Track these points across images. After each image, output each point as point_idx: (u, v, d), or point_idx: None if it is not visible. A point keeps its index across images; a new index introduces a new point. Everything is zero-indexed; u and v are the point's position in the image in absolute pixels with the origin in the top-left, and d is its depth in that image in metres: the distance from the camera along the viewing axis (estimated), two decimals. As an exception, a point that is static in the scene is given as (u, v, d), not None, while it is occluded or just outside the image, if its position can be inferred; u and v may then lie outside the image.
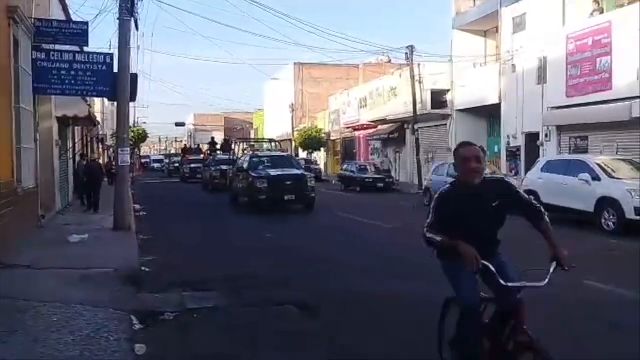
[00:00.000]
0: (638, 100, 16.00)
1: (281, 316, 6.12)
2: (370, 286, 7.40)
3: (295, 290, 7.16)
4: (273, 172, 17.78)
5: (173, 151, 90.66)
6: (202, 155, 41.14)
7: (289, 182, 17.35)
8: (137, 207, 17.00)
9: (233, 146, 28.63)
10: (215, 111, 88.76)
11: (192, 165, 37.09)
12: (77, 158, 20.02)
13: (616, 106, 16.81)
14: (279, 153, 23.53)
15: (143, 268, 8.45)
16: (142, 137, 60.29)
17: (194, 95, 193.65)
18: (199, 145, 44.10)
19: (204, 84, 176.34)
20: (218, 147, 41.86)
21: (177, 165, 45.49)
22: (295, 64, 54.13)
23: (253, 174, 17.84)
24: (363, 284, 7.52)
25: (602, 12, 18.77)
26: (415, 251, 5.90)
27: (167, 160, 60.23)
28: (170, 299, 6.69)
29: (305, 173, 19.00)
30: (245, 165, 19.09)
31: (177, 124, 75.30)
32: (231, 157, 28.58)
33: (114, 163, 31.19)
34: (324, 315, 6.13)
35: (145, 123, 64.13)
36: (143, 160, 65.26)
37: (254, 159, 19.73)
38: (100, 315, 5.62)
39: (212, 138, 42.04)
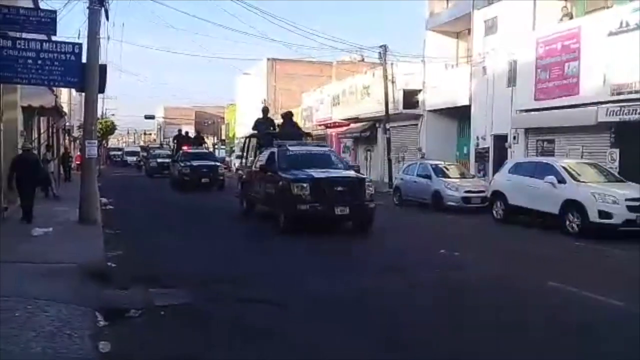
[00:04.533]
0: (604, 105, 16.36)
1: (250, 313, 6.08)
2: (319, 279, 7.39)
3: (265, 287, 7.13)
4: (316, 173, 12.20)
5: (142, 143, 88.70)
6: (205, 146, 31.97)
7: (340, 188, 11.93)
8: (104, 200, 16.70)
9: (247, 143, 17.84)
10: (186, 104, 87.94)
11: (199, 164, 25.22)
12: (42, 149, 19.57)
13: (583, 110, 17.16)
14: (316, 147, 15.32)
15: (109, 263, 8.31)
16: (110, 129, 59.20)
17: (164, 88, 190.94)
18: (199, 132, 38.09)
19: (174, 76, 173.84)
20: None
21: (168, 161, 31.37)
22: (268, 59, 53.89)
23: (286, 175, 12.21)
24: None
25: (571, 17, 19.14)
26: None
27: (144, 154, 50.46)
28: (136, 296, 6.57)
29: (360, 175, 13.47)
30: (270, 162, 13.44)
31: (147, 117, 74.10)
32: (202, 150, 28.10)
33: (70, 155, 30.57)
34: (292, 312, 6.11)
35: (113, 115, 62.48)
36: (112, 153, 62.82)
37: (286, 153, 13.30)
38: (64, 311, 5.49)
39: (179, 130, 35.77)
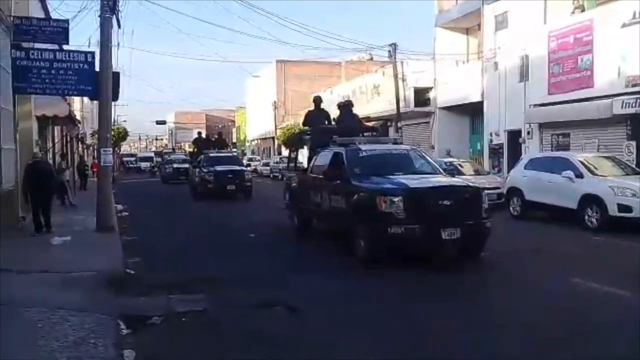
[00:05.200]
0: (619, 97, 16.19)
1: (272, 318, 6.05)
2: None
3: (285, 290, 7.09)
4: (408, 181, 9.03)
5: (153, 148, 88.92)
6: (227, 150, 28.70)
7: (447, 202, 8.61)
8: (120, 207, 16.78)
9: (296, 142, 14.91)
10: (196, 109, 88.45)
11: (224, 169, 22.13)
12: (57, 158, 19.72)
13: (598, 103, 16.99)
14: (395, 146, 11.64)
15: (128, 270, 8.31)
16: (123, 135, 59.53)
17: (175, 93, 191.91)
18: (220, 133, 32.28)
19: (185, 81, 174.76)
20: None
21: (185, 166, 30.61)
22: (277, 61, 54.00)
23: (365, 184, 9.24)
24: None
25: (583, 10, 18.96)
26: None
27: (159, 159, 50.86)
28: (157, 302, 6.55)
29: (472, 183, 9.94)
30: (335, 166, 10.25)
31: (158, 122, 74.59)
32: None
33: (86, 162, 30.55)
34: (313, 318, 6.06)
35: (125, 121, 62.85)
36: (125, 159, 62.90)
37: (357, 154, 10.21)
38: (87, 320, 5.50)
39: (199, 132, 31.82)
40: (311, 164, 11.80)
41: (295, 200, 12.25)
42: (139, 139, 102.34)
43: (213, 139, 28.01)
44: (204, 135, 30.05)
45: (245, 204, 20.24)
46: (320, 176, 10.65)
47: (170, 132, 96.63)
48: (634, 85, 15.93)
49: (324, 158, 11.14)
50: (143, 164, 55.18)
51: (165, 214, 16.96)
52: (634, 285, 7.00)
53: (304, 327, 5.76)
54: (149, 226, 13.95)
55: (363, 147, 10.44)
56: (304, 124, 14.12)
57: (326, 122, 13.31)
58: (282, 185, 14.59)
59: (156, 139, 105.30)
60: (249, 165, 35.61)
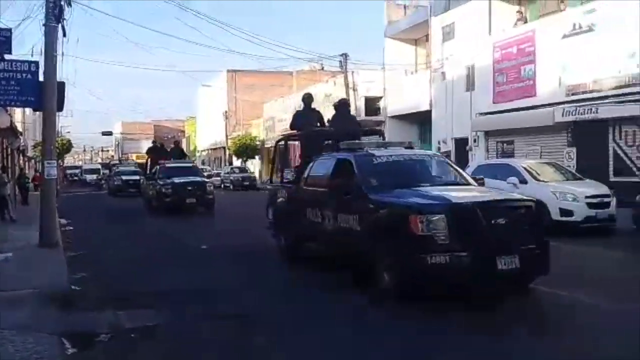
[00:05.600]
0: (560, 106, 16.83)
1: (224, 331, 5.96)
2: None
3: (235, 302, 7.00)
4: (446, 193, 7.13)
5: (99, 160, 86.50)
6: (185, 159, 26.00)
7: (502, 221, 6.64)
8: (64, 221, 16.24)
9: (278, 148, 12.64)
10: (144, 119, 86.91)
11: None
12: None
13: (540, 112, 17.62)
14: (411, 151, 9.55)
15: (73, 286, 8.03)
16: (67, 147, 57.80)
17: (122, 104, 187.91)
18: (177, 142, 29.39)
19: (131, 91, 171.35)
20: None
21: (134, 178, 30.34)
22: (228, 71, 53.71)
23: (389, 199, 7.26)
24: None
25: (525, 21, 19.66)
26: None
27: (106, 171, 47.62)
28: (104, 319, 6.34)
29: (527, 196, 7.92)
30: (342, 177, 8.20)
31: (104, 133, 72.84)
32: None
33: (27, 175, 29.26)
34: (268, 327, 6.01)
35: (69, 132, 61.00)
36: (69, 172, 60.86)
37: (371, 162, 8.26)
38: (30, 340, 5.27)
39: (154, 141, 30.24)
40: (305, 174, 9.64)
41: (284, 219, 10.02)
42: (84, 150, 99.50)
43: (169, 149, 25.65)
44: (159, 144, 27.62)
45: (205, 217, 18.99)
46: (321, 189, 8.74)
47: (116, 143, 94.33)
48: (574, 94, 16.60)
49: (323, 167, 9.13)
50: (89, 177, 53.00)
51: (112, 229, 16.36)
52: (575, 286, 7.25)
53: (256, 337, 5.70)
54: (95, 241, 13.54)
55: (376, 152, 8.51)
56: (292, 126, 11.67)
57: (319, 125, 11.36)
58: (263, 200, 12.31)
59: (102, 150, 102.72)
60: (210, 176, 33.78)
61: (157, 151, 24.88)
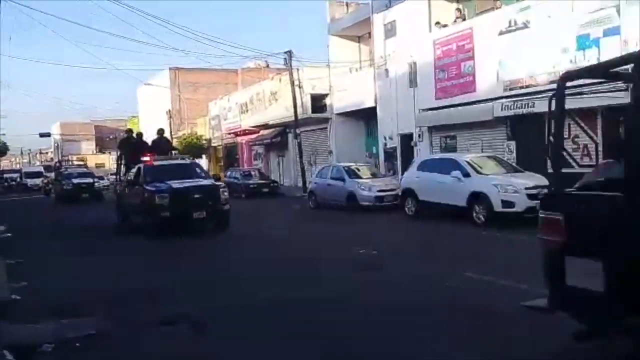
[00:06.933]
0: (499, 100, 17.35)
1: (170, 336, 5.87)
2: (256, 295, 7.31)
3: (181, 305, 6.91)
4: None
5: (38, 163, 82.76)
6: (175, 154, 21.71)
7: None
8: (2, 228, 15.54)
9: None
10: (83, 119, 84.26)
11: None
12: None
13: (480, 107, 18.11)
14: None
15: (13, 296, 7.73)
16: (2, 150, 55.34)
17: (60, 103, 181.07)
18: (162, 130, 19.76)
19: (69, 90, 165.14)
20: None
21: (88, 181, 29.37)
22: (170, 68, 52.64)
23: None
24: (253, 293, 7.40)
25: (464, 19, 20.14)
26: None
27: (51, 175, 43.46)
28: (47, 329, 6.15)
29: None
30: None
31: (42, 135, 69.72)
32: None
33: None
34: (215, 333, 5.96)
35: (4, 135, 58.25)
36: (6, 176, 57.38)
37: None
38: (-33, 355, 5.06)
39: (129, 131, 22.19)
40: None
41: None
42: (21, 153, 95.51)
43: (151, 142, 18.09)
44: (135, 135, 19.49)
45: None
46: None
47: (55, 144, 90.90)
48: (511, 89, 17.14)
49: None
50: (30, 181, 48.90)
51: (58, 236, 15.74)
52: (513, 275, 7.53)
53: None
54: (37, 249, 13.06)
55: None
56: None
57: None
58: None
59: (40, 153, 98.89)
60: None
61: (133, 145, 18.09)
